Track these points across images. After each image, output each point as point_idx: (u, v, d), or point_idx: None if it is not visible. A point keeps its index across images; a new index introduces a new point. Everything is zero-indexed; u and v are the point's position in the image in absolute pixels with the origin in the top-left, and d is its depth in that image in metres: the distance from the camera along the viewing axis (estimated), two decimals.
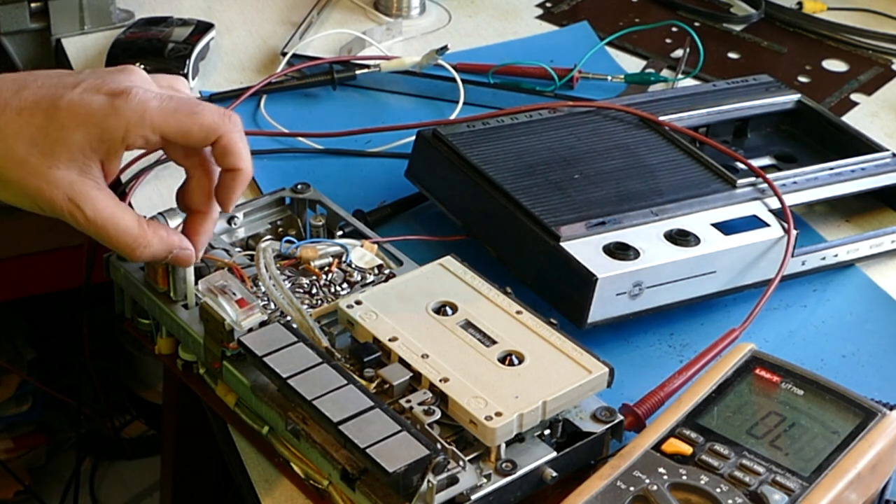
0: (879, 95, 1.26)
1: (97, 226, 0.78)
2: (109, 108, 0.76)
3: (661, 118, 1.06)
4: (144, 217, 0.81)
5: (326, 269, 0.90)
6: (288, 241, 0.91)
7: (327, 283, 0.89)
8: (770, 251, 0.95)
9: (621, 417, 0.80)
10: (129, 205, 1.06)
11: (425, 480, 0.72)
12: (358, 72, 1.20)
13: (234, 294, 0.82)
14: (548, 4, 1.38)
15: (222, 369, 0.83)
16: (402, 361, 0.79)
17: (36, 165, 0.76)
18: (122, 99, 0.76)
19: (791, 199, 0.99)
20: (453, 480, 0.74)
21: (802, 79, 1.28)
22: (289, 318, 0.83)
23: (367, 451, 0.72)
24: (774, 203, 0.98)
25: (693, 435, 0.77)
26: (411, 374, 0.79)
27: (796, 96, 1.14)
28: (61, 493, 1.78)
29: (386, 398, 0.78)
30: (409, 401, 0.77)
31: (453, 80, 1.18)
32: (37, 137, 0.75)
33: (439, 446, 0.73)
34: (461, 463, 0.74)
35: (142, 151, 1.06)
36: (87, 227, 0.78)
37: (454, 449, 0.75)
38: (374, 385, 0.79)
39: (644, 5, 1.39)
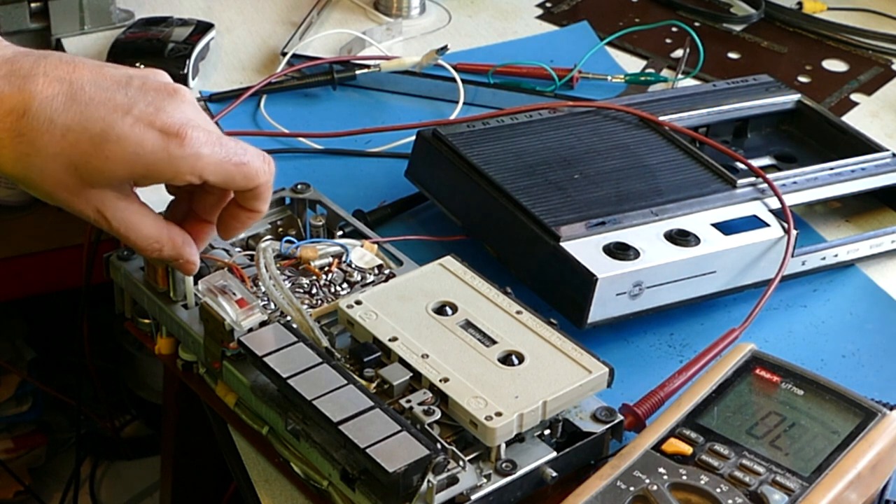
0: (879, 95, 1.26)
1: (119, 232, 0.77)
2: (163, 153, 0.72)
3: (661, 118, 1.06)
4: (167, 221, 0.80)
5: (326, 269, 0.90)
6: (288, 241, 0.91)
7: (327, 283, 0.89)
8: (770, 251, 0.95)
9: (621, 417, 0.80)
10: None
11: (425, 480, 0.72)
12: (358, 72, 1.20)
13: (234, 294, 0.82)
14: (548, 4, 1.38)
15: (222, 369, 0.83)
16: (402, 361, 0.79)
17: (71, 185, 0.73)
18: (176, 143, 0.72)
19: (791, 199, 0.99)
20: (453, 480, 0.74)
21: (802, 79, 1.28)
22: (289, 318, 0.83)
23: (367, 451, 0.72)
24: (774, 203, 0.98)
25: (693, 435, 0.77)
26: (411, 374, 0.79)
27: (796, 96, 1.14)
28: (61, 493, 1.78)
29: (386, 398, 0.78)
30: (409, 401, 0.77)
31: (453, 80, 1.18)
32: (78, 163, 0.72)
33: (439, 446, 0.73)
34: (461, 463, 0.74)
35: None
36: (108, 230, 0.77)
37: (454, 449, 0.75)
38: (374, 385, 0.79)
39: (644, 5, 1.39)
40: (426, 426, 0.75)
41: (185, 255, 0.81)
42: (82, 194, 0.74)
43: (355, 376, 0.78)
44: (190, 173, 0.74)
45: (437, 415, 0.76)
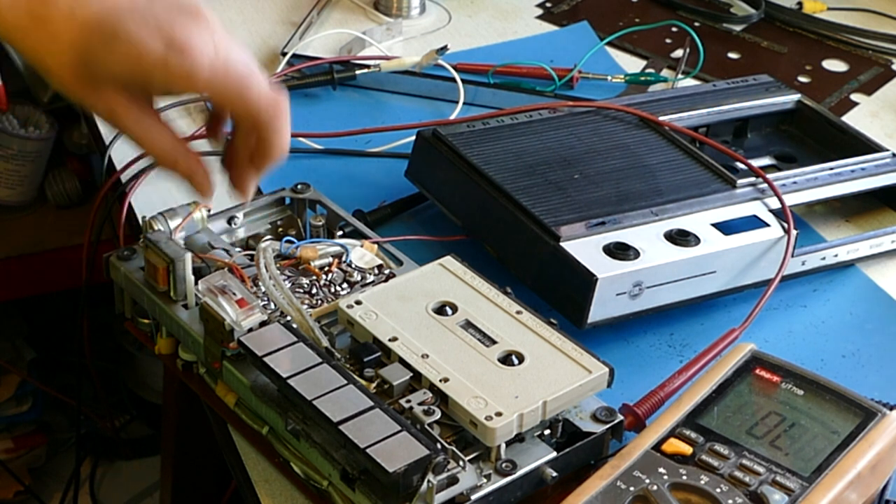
0: (879, 95, 1.26)
1: (133, 135, 0.79)
2: (161, 62, 0.74)
3: (661, 118, 1.06)
4: (183, 138, 0.82)
5: (326, 269, 0.90)
6: (288, 241, 0.91)
7: (327, 283, 0.89)
8: (770, 251, 0.95)
9: (621, 417, 0.80)
10: (129, 205, 1.06)
11: (425, 480, 0.72)
12: (358, 72, 1.20)
13: (234, 294, 0.82)
14: (548, 4, 1.38)
15: (222, 369, 0.83)
16: (402, 361, 0.79)
17: (83, 76, 0.75)
18: (176, 54, 0.74)
19: (791, 199, 0.99)
20: (453, 480, 0.74)
21: (802, 79, 1.28)
22: (289, 318, 0.83)
23: (367, 451, 0.72)
24: (774, 203, 0.98)
25: (693, 435, 0.77)
26: (411, 374, 0.79)
27: (796, 96, 1.14)
28: (61, 493, 1.78)
29: (386, 398, 0.78)
30: (409, 401, 0.77)
31: (453, 80, 1.18)
32: (88, 55, 0.74)
33: (439, 446, 0.73)
34: (461, 463, 0.74)
35: (142, 152, 1.06)
36: (124, 133, 0.80)
37: (454, 449, 0.75)
38: (374, 385, 0.79)
39: (644, 5, 1.39)
40: (426, 426, 0.75)
41: (199, 174, 0.81)
42: (96, 91, 0.77)
43: (355, 376, 0.78)
44: (185, 86, 0.76)
45: (437, 415, 0.76)
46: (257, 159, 0.81)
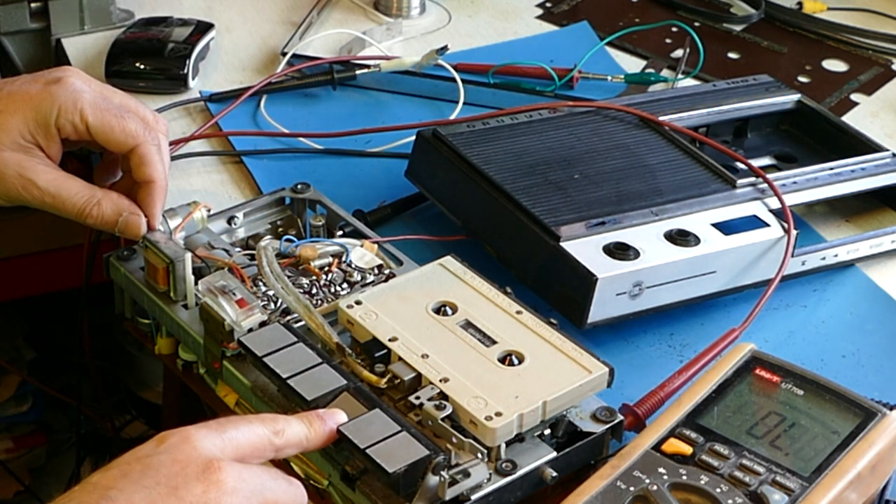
0: (879, 95, 1.26)
1: (50, 194, 0.84)
2: (45, 93, 0.82)
3: (661, 118, 1.06)
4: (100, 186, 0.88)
5: (326, 269, 0.90)
6: (288, 241, 0.91)
7: (327, 283, 0.89)
8: (770, 251, 0.95)
9: (621, 417, 0.80)
10: None
11: (438, 475, 0.72)
12: (358, 72, 1.20)
13: (234, 294, 0.82)
14: (548, 4, 1.38)
15: (222, 369, 0.83)
16: (401, 361, 0.79)
17: None
18: (57, 85, 0.83)
19: (791, 199, 0.99)
20: (467, 473, 0.74)
21: (802, 79, 1.28)
22: (290, 316, 0.83)
23: (367, 451, 0.72)
24: (774, 203, 0.98)
25: (693, 435, 0.77)
26: (417, 373, 0.78)
27: (796, 96, 1.14)
28: (61, 493, 1.78)
29: (398, 393, 0.78)
30: (418, 397, 0.77)
31: (453, 80, 1.18)
32: None
33: (448, 445, 0.73)
34: (479, 455, 0.74)
35: None
36: (40, 198, 0.84)
37: (472, 441, 0.74)
38: (385, 380, 0.78)
39: (644, 5, 1.39)
40: (439, 421, 0.75)
41: (125, 207, 0.86)
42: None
43: (359, 372, 0.78)
44: (71, 111, 0.83)
45: (449, 409, 0.76)
46: (142, 202, 0.88)
